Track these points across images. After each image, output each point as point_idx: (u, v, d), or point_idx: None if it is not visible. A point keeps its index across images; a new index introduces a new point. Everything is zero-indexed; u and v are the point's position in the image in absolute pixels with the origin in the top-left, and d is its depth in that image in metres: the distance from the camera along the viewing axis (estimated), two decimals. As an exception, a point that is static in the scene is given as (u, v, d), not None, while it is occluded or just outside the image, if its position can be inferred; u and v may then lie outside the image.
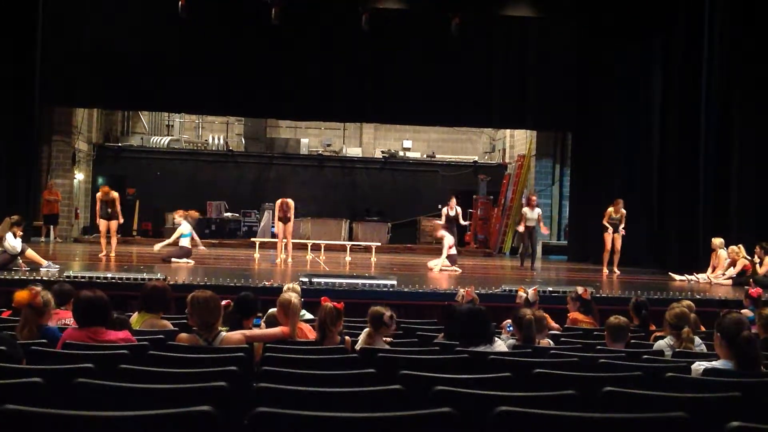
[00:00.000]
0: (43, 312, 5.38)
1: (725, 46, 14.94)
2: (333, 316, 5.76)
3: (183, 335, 5.46)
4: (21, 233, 11.65)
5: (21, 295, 5.32)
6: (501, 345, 5.81)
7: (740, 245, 13.75)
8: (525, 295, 7.85)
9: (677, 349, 6.08)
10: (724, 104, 15.00)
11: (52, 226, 20.02)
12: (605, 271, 15.07)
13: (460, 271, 14.84)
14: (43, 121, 18.66)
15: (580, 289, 8.37)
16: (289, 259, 15.24)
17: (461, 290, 7.79)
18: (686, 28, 15.86)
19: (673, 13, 16.27)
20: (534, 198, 16.94)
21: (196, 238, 15.22)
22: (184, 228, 14.60)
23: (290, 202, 15.20)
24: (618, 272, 15.06)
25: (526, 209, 16.34)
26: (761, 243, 13.56)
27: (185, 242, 14.56)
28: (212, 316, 5.34)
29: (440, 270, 14.66)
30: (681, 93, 16.02)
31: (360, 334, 6.29)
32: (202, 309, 5.32)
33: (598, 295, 10.38)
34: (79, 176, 22.46)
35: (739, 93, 14.92)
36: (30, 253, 11.46)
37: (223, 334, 5.38)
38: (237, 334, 5.51)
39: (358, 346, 5.90)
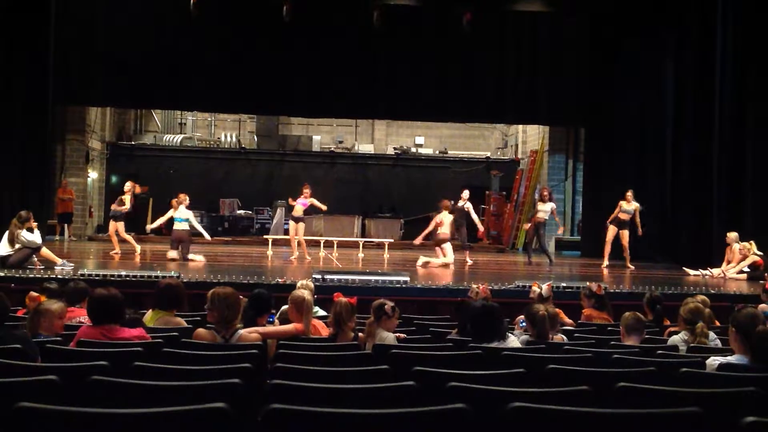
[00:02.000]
0: (36, 319, 5.38)
1: (739, 40, 14.83)
2: (348, 311, 5.79)
3: (201, 330, 5.48)
4: (35, 224, 11.65)
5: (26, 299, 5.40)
6: (514, 341, 5.80)
7: (752, 241, 13.66)
8: (539, 290, 7.83)
9: (691, 344, 6.05)
10: (738, 98, 14.89)
11: (66, 225, 20.13)
12: (630, 266, 15.07)
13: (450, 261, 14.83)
14: (56, 120, 18.76)
15: (593, 285, 8.34)
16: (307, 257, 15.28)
17: (474, 286, 7.77)
18: (699, 22, 15.77)
19: (686, 7, 16.18)
20: (546, 192, 16.79)
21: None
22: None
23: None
24: (632, 267, 15.02)
25: (539, 202, 16.22)
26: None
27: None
28: (232, 312, 5.37)
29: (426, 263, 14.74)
30: (694, 87, 15.94)
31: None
32: (222, 305, 5.35)
33: (611, 291, 10.34)
34: (93, 175, 22.58)
35: (753, 88, 14.80)
36: (45, 251, 11.52)
37: (241, 331, 5.40)
38: (254, 333, 5.53)
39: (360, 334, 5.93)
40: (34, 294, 5.50)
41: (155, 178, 23.10)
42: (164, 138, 25.06)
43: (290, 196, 15.57)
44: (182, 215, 14.13)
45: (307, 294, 6.15)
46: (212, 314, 5.42)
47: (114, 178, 23.75)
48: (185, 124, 26.52)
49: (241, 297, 5.62)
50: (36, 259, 11.48)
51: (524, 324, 6.51)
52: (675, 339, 6.28)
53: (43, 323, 5.40)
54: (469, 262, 15.54)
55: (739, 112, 14.88)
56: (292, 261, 14.96)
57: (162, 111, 25.97)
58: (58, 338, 5.22)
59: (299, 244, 15.29)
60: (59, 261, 11.49)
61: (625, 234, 15.09)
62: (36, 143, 16.62)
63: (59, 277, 9.84)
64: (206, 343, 5.25)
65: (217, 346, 5.18)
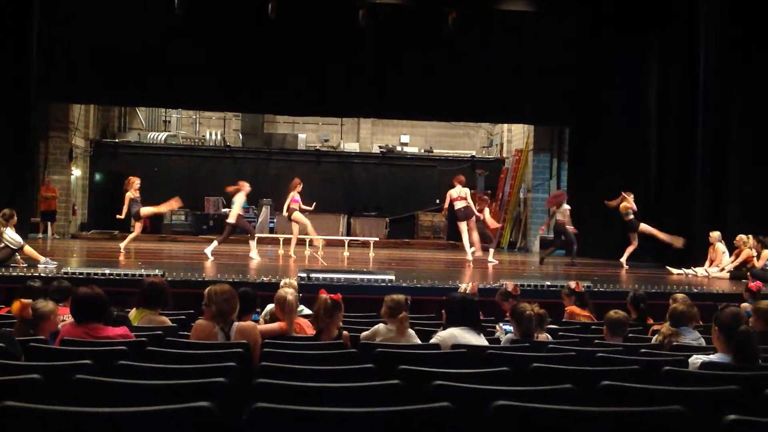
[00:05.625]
0: (35, 324, 5.34)
1: (723, 42, 14.93)
2: (328, 308, 5.75)
3: (201, 322, 5.47)
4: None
5: (14, 306, 5.34)
6: (482, 340, 5.83)
7: (749, 235, 13.63)
8: (509, 287, 7.90)
9: (673, 344, 6.10)
10: (722, 99, 14.99)
11: (49, 223, 20.00)
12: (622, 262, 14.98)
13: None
14: (39, 117, 18.63)
15: (572, 283, 8.39)
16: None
17: (463, 285, 7.82)
18: (684, 24, 15.85)
19: (671, 9, 16.26)
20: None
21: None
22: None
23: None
24: (623, 265, 15.04)
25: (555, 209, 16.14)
26: (758, 237, 13.55)
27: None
28: (229, 306, 5.39)
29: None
30: (678, 88, 16.02)
31: (360, 328, 6.31)
32: (219, 300, 5.36)
33: (596, 289, 10.39)
34: (76, 172, 22.44)
35: (736, 89, 14.92)
36: (28, 249, 11.44)
37: (237, 323, 5.40)
38: (249, 323, 5.56)
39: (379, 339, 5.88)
40: (26, 301, 5.44)
41: (139, 176, 22.91)
42: (148, 136, 24.92)
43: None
44: (235, 200, 14.73)
45: (290, 293, 6.14)
46: (210, 310, 5.40)
47: (98, 176, 23.61)
48: (170, 121, 26.37)
49: (236, 293, 5.62)
50: (19, 257, 11.40)
51: (506, 327, 6.54)
52: (658, 337, 6.33)
53: (44, 326, 5.36)
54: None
55: (722, 113, 14.98)
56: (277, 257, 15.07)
57: (146, 108, 25.80)
58: (42, 337, 5.19)
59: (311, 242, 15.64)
60: (42, 259, 11.41)
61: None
62: (19, 140, 16.50)
63: (42, 275, 9.78)
64: (191, 342, 5.24)
65: (202, 344, 5.16)
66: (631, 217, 14.88)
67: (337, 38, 18.33)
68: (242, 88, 18.61)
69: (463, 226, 14.98)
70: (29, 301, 5.45)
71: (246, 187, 14.85)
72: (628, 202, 14.87)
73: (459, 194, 15.00)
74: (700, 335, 6.41)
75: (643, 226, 14.91)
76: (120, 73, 17.92)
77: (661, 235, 14.85)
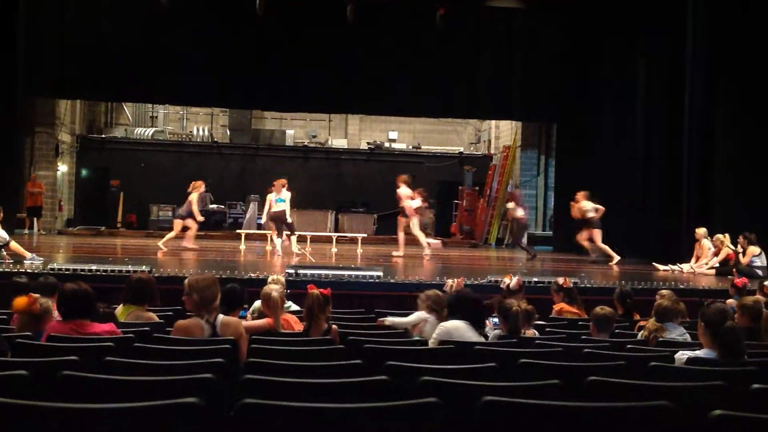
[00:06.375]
0: (40, 318, 5.33)
1: (710, 40, 14.98)
2: (320, 303, 5.77)
3: (182, 322, 5.41)
4: None
5: (20, 301, 5.31)
6: (481, 339, 5.86)
7: (726, 234, 13.79)
8: (509, 282, 7.92)
9: (659, 339, 6.14)
10: (709, 97, 15.05)
11: (35, 219, 19.89)
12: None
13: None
14: (26, 112, 18.51)
15: (560, 280, 8.41)
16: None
17: (450, 281, 7.84)
18: (672, 22, 15.90)
19: (660, 7, 16.31)
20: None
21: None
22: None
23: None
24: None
25: (512, 204, 16.35)
26: (744, 233, 13.64)
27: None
28: (211, 293, 5.29)
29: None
30: (666, 86, 16.08)
31: (348, 324, 6.32)
32: (200, 287, 5.28)
33: (583, 285, 10.43)
34: (63, 168, 22.33)
35: (723, 87, 14.98)
36: (14, 245, 11.37)
37: (222, 316, 5.35)
38: (233, 318, 5.53)
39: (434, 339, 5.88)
40: (35, 295, 5.43)
41: (126, 171, 22.89)
42: (135, 131, 24.82)
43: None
44: (282, 196, 14.90)
45: (276, 289, 6.12)
46: (191, 299, 5.28)
47: (84, 172, 23.50)
48: (156, 117, 26.28)
49: (216, 280, 5.58)
50: (5, 253, 11.33)
51: (496, 321, 6.56)
52: (644, 333, 6.36)
53: (47, 320, 5.35)
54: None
55: (708, 111, 15.03)
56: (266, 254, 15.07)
57: (133, 104, 25.71)
58: (29, 333, 5.17)
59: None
60: (28, 255, 11.35)
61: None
62: (5, 136, 16.41)
63: (28, 271, 9.73)
64: (178, 338, 5.22)
65: (190, 341, 5.15)
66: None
67: (325, 34, 18.27)
68: (230, 84, 18.56)
69: (402, 222, 15.41)
70: (37, 295, 5.43)
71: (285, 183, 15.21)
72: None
73: (407, 194, 15.23)
74: (686, 331, 6.44)
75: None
76: (107, 68, 17.82)
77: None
